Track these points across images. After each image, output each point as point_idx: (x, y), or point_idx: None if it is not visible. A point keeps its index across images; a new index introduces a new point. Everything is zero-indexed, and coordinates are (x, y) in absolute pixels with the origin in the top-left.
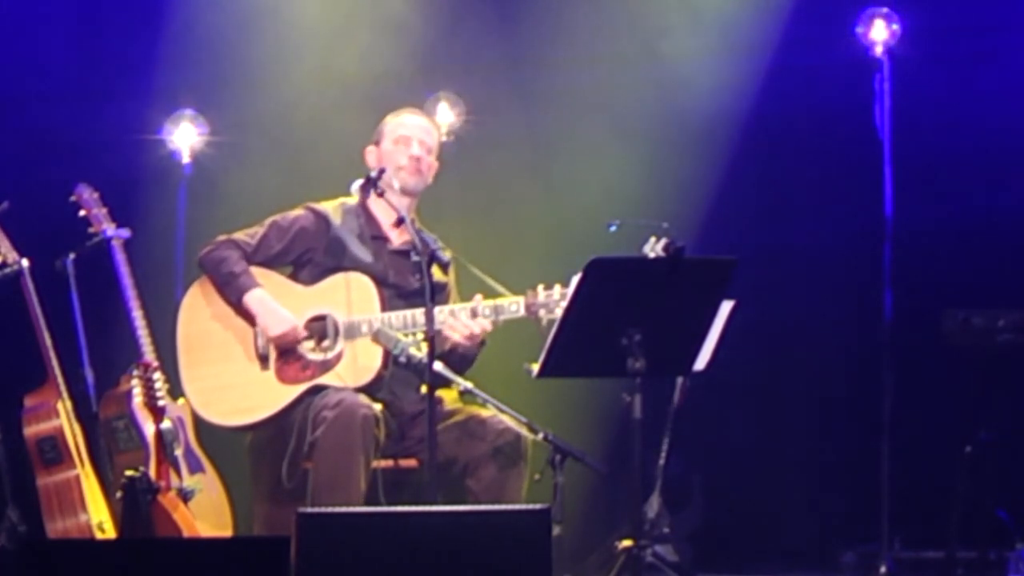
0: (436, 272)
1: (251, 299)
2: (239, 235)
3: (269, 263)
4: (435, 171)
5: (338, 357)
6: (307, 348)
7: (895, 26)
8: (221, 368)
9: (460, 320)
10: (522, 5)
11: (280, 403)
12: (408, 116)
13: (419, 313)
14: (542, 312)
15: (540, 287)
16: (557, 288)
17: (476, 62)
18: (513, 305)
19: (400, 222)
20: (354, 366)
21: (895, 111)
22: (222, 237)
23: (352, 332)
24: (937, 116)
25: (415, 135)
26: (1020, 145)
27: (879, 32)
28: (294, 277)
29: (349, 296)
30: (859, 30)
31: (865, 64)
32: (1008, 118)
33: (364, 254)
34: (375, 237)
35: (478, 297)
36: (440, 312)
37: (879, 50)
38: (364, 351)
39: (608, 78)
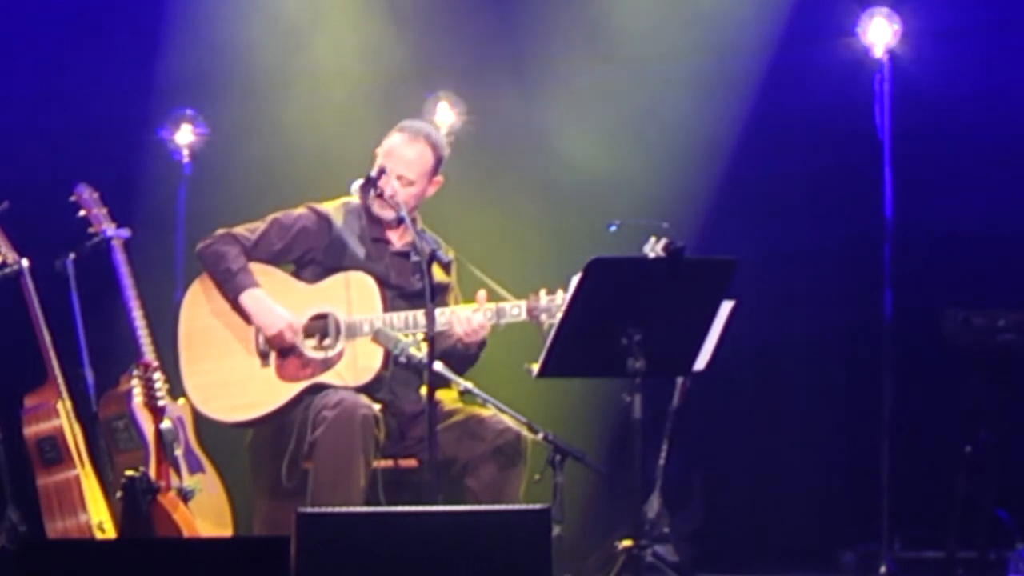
0: (438, 272)
1: (247, 298)
2: (239, 229)
3: (269, 260)
4: (438, 186)
5: (338, 356)
6: (308, 346)
7: (895, 26)
8: (221, 364)
9: (462, 316)
10: (522, 5)
11: (280, 400)
12: (398, 144)
13: (420, 315)
14: (543, 316)
15: (542, 291)
16: (560, 293)
17: (476, 62)
18: (515, 309)
19: (400, 222)
20: (354, 365)
21: (895, 111)
22: (222, 231)
23: (353, 331)
24: (937, 116)
25: (396, 169)
26: (1020, 145)
27: (879, 32)
28: (296, 276)
29: (350, 295)
30: (859, 30)
31: (865, 64)
32: (1008, 118)
33: (365, 256)
34: (376, 239)
35: (481, 294)
36: (442, 314)
37: (879, 50)
38: (365, 351)
39: (608, 78)
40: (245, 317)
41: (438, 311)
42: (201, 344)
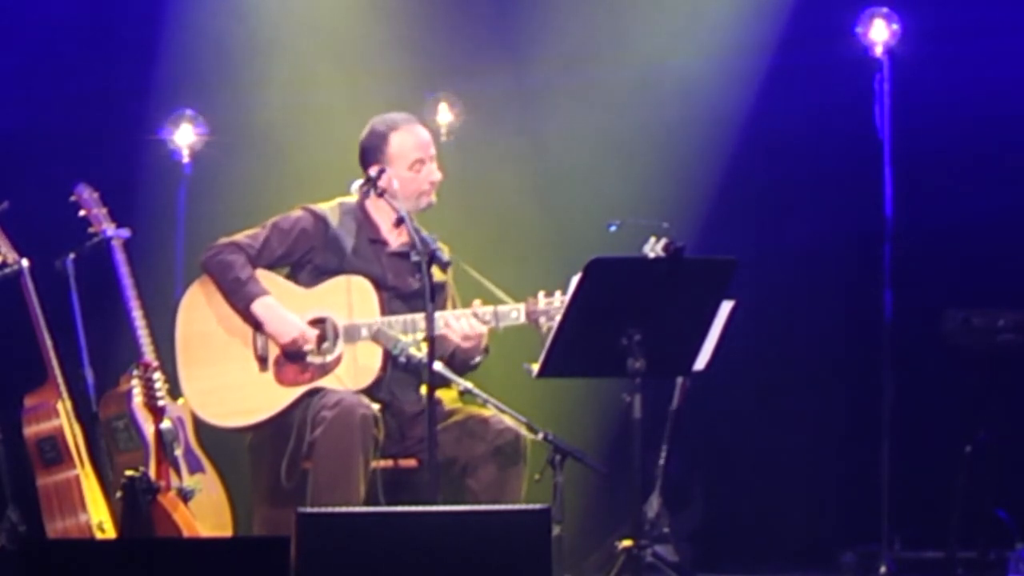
0: (435, 272)
1: (259, 306)
2: (241, 238)
3: (271, 266)
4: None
5: (337, 361)
6: (307, 351)
7: (895, 26)
8: (220, 368)
9: (459, 321)
10: (522, 5)
11: (278, 405)
12: (417, 135)
13: (419, 318)
14: (542, 320)
15: (541, 294)
16: (558, 295)
17: (476, 62)
18: (514, 312)
19: (400, 221)
20: (353, 369)
21: (895, 111)
22: (224, 240)
23: (352, 335)
24: (937, 116)
25: (417, 156)
26: (1020, 145)
27: (879, 32)
28: (293, 277)
29: (350, 299)
30: (859, 30)
31: (865, 64)
32: (1008, 118)
33: (362, 257)
34: (373, 240)
35: (477, 303)
36: (440, 318)
37: (879, 50)
38: (363, 355)
39: (608, 78)
40: (254, 325)
41: (436, 315)
42: (199, 348)
